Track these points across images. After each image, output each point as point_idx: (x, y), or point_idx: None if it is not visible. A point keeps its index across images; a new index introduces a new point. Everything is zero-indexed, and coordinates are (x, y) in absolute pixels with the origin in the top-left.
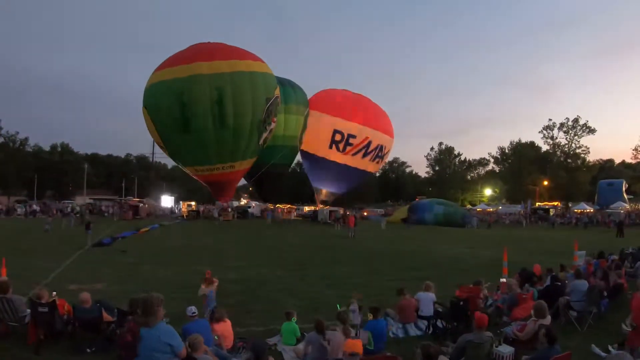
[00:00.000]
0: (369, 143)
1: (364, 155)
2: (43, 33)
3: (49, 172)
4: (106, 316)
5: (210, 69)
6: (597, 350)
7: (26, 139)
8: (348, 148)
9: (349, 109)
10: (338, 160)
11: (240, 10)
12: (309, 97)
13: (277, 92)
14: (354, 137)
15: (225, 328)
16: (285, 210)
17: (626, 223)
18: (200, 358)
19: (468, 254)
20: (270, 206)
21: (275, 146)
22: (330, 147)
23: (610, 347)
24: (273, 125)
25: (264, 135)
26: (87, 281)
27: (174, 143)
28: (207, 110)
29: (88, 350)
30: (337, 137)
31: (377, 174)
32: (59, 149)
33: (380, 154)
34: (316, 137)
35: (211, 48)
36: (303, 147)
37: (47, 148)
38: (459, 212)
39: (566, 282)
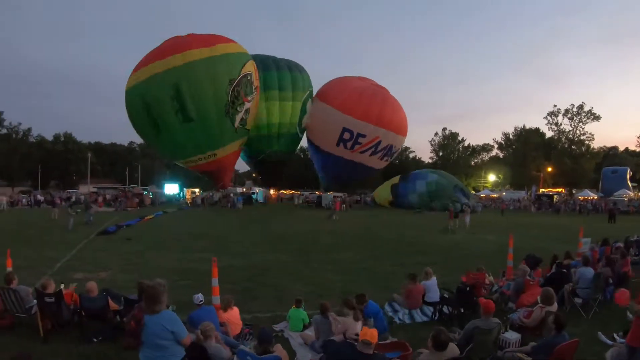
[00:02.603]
0: (379, 142)
1: (372, 154)
2: (45, 22)
3: (52, 162)
4: (112, 305)
5: (164, 66)
6: (603, 337)
7: (29, 129)
8: (356, 147)
9: (363, 107)
10: (344, 156)
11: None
12: (320, 85)
13: (249, 68)
14: (363, 136)
15: (232, 315)
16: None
17: (632, 211)
18: (209, 345)
19: (471, 239)
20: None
21: (270, 135)
22: (338, 145)
23: (615, 335)
24: (248, 104)
25: (239, 116)
26: (92, 270)
27: (153, 143)
28: (168, 108)
29: (95, 339)
30: (346, 136)
31: None
32: (62, 139)
33: (389, 152)
34: (323, 132)
35: (166, 45)
36: (309, 135)
37: (50, 138)
38: (452, 183)
39: (571, 269)
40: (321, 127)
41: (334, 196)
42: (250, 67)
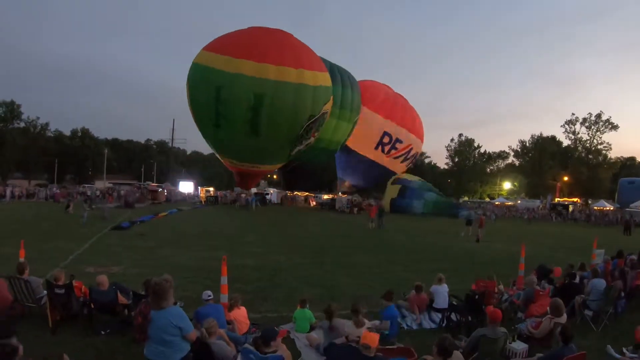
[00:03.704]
0: (410, 149)
1: (403, 161)
2: (64, 18)
3: (69, 157)
4: (121, 299)
5: (256, 71)
6: (612, 351)
7: (47, 124)
8: (393, 152)
9: (400, 113)
10: (378, 161)
11: None
12: None
13: (328, 107)
14: (400, 142)
15: (239, 314)
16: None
17: None
18: (213, 342)
19: (485, 247)
20: None
21: (315, 147)
22: (376, 148)
23: (624, 349)
24: (311, 140)
25: (298, 147)
26: (104, 264)
27: (203, 129)
28: (241, 113)
29: (102, 332)
30: (385, 140)
31: None
32: (80, 134)
33: (414, 159)
34: (364, 136)
35: (266, 44)
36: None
37: (67, 133)
38: (450, 202)
39: (584, 280)
40: (362, 131)
41: (372, 200)
42: (330, 105)
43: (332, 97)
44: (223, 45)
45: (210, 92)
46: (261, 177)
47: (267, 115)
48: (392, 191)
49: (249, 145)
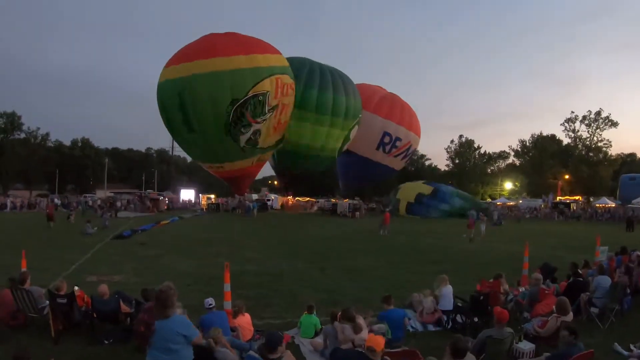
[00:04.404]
0: (410, 147)
1: (403, 158)
2: (63, 28)
3: (70, 167)
4: (124, 307)
5: (177, 72)
6: (619, 348)
7: (47, 134)
8: (393, 150)
9: (398, 112)
10: (380, 161)
11: None
12: None
13: (265, 87)
14: (400, 140)
15: (244, 321)
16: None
17: None
18: (217, 350)
19: (488, 248)
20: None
21: (309, 155)
22: (378, 148)
23: (632, 346)
24: (257, 126)
25: (244, 137)
26: (106, 273)
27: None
28: (175, 115)
29: (105, 341)
30: (386, 140)
31: None
32: (80, 144)
33: (412, 155)
34: (365, 138)
35: (192, 46)
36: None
37: (68, 143)
38: (476, 205)
39: (589, 278)
40: (363, 134)
41: (385, 207)
42: (268, 86)
43: (273, 78)
44: (169, 60)
45: (161, 105)
46: (247, 179)
47: (192, 111)
48: (423, 188)
49: (197, 144)
